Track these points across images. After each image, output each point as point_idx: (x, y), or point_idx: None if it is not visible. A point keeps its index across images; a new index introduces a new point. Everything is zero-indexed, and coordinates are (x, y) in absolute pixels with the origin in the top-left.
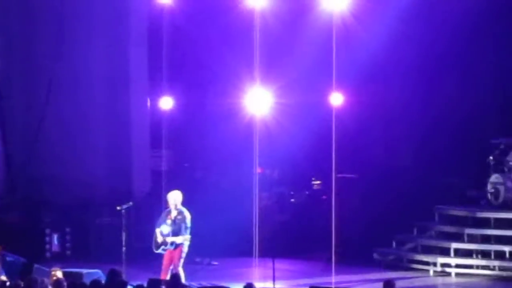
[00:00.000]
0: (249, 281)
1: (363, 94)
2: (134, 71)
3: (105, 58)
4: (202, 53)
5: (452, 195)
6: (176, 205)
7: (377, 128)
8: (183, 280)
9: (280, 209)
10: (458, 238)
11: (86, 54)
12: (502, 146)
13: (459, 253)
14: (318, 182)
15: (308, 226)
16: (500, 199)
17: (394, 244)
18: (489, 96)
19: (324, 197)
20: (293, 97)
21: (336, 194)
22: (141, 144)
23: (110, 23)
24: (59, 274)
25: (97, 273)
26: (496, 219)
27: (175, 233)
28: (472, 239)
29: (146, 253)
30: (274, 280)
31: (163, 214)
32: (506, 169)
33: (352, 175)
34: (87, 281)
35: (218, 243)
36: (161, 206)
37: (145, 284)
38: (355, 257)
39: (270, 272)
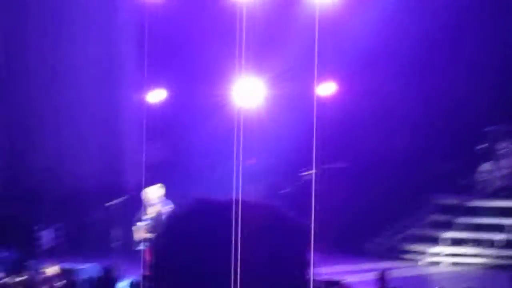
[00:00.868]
0: None
1: (355, 83)
2: (126, 64)
3: (96, 53)
4: (190, 45)
5: (444, 184)
6: (154, 201)
7: (369, 118)
8: None
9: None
10: (450, 226)
11: (77, 49)
12: (493, 135)
13: (451, 242)
14: (310, 172)
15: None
16: (492, 188)
17: (388, 233)
18: (481, 85)
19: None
20: (283, 88)
21: (327, 184)
22: (133, 137)
23: (99, 19)
24: (54, 270)
25: (94, 267)
26: (488, 208)
27: (154, 228)
28: (464, 227)
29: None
30: None
31: (142, 210)
32: (497, 158)
33: (343, 165)
34: (83, 276)
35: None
36: None
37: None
38: (347, 247)
39: None
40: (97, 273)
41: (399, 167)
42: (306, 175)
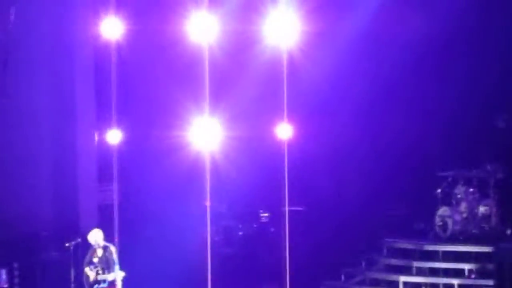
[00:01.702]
0: None
1: (310, 127)
2: (80, 105)
3: (50, 92)
4: (149, 86)
5: (399, 228)
6: (99, 244)
7: (324, 161)
8: None
9: (227, 242)
10: (407, 271)
11: (31, 88)
12: (450, 179)
13: (407, 286)
14: (266, 214)
15: (256, 259)
16: (448, 232)
17: (342, 277)
18: (436, 129)
19: (272, 229)
20: (240, 130)
21: (283, 227)
22: (88, 179)
23: (55, 57)
24: None
25: None
26: (444, 252)
27: (105, 270)
28: (420, 272)
29: None
30: None
31: (89, 253)
32: (454, 202)
33: (300, 208)
34: None
35: (166, 278)
36: (111, 241)
37: None
38: None
39: None
40: None
41: (356, 210)
42: (263, 217)
